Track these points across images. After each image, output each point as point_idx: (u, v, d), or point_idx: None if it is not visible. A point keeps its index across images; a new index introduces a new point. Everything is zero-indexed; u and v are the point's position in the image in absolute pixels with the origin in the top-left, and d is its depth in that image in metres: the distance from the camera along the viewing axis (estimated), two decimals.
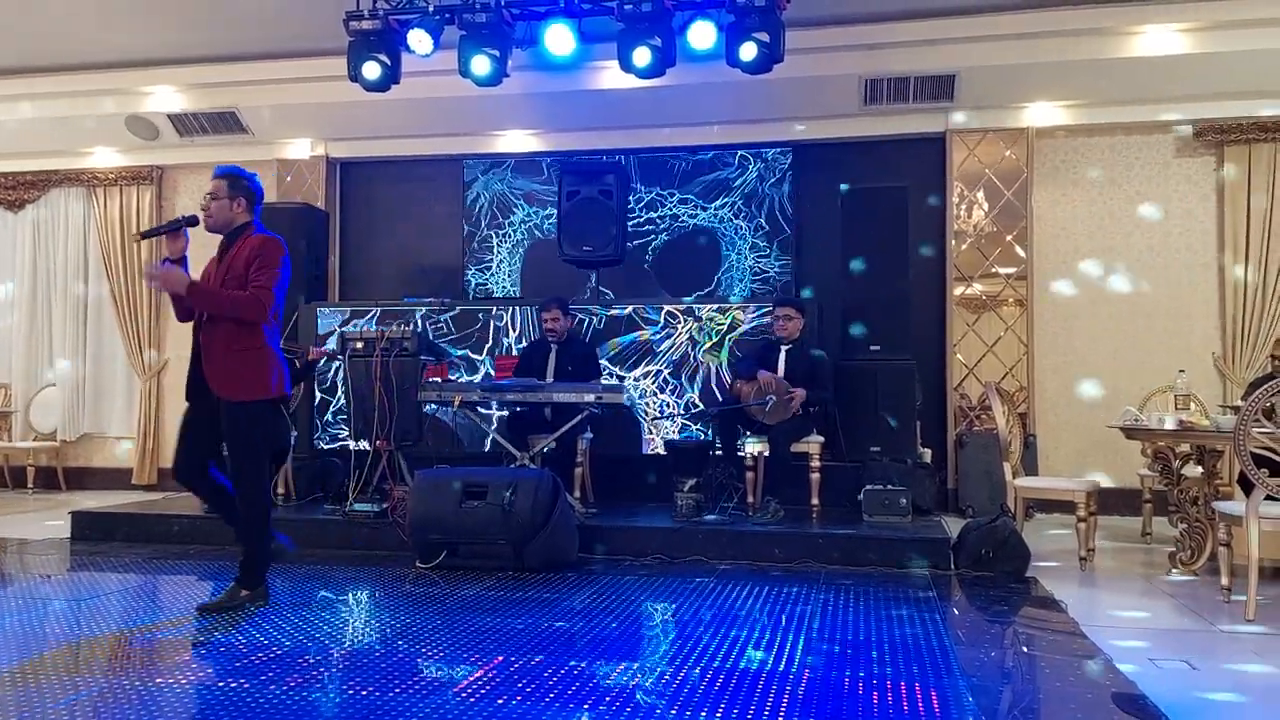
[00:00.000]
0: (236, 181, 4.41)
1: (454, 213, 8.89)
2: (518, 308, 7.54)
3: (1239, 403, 5.27)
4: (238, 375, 4.27)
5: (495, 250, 8.75)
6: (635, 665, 3.56)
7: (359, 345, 6.31)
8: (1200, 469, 5.29)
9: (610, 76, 7.56)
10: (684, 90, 7.67)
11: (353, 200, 9.18)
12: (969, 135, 7.93)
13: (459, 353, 7.39)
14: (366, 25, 6.71)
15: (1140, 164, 7.82)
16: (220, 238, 4.43)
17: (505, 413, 6.90)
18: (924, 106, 7.89)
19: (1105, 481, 6.57)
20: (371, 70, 6.80)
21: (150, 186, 9.26)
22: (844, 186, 7.34)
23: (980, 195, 7.88)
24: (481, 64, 6.69)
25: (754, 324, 7.07)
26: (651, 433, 7.14)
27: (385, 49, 6.77)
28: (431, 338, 7.23)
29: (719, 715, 2.95)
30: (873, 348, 6.97)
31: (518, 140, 8.71)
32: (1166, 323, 7.71)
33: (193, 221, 4.37)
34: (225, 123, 8.79)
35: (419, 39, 6.68)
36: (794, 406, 6.17)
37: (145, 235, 4.54)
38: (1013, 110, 7.85)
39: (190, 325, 4.40)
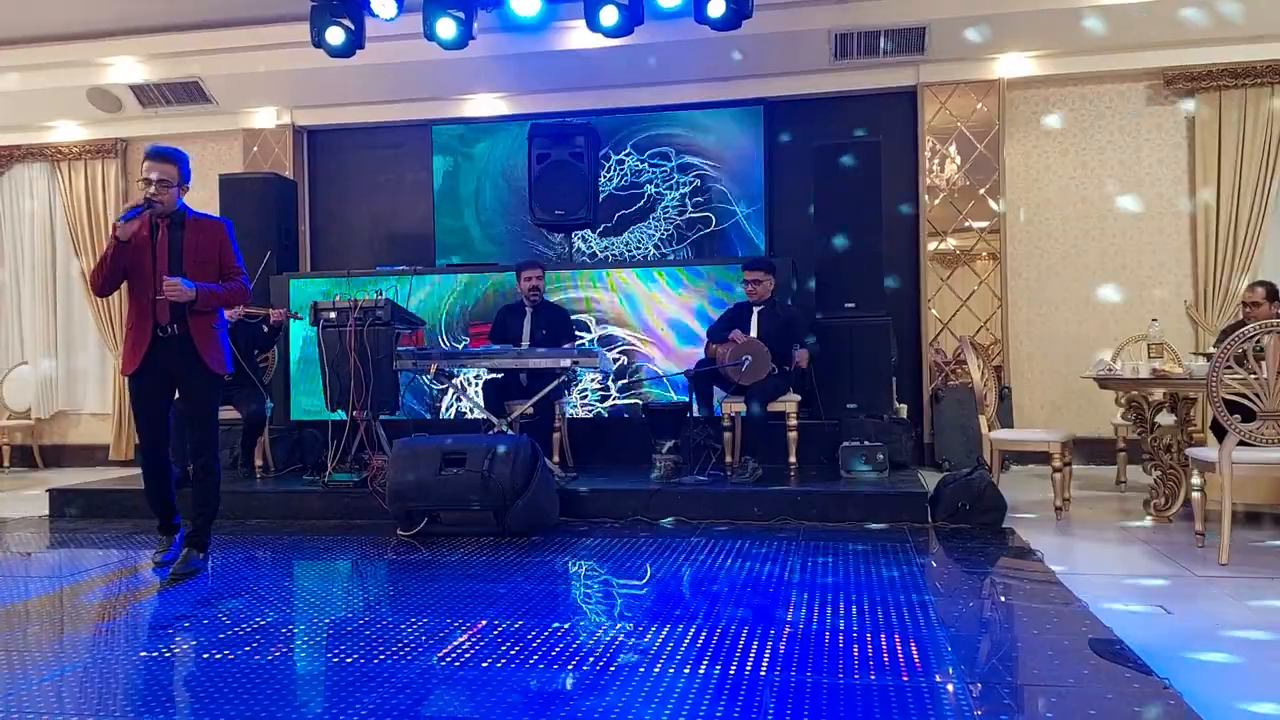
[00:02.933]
0: (184, 167, 4.49)
1: (424, 179, 8.81)
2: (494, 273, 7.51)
3: (1211, 350, 5.32)
4: (221, 350, 4.56)
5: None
6: (618, 625, 3.58)
7: (332, 315, 6.24)
8: (1173, 416, 5.35)
9: (578, 36, 7.49)
10: (653, 49, 7.62)
11: (321, 169, 9.08)
12: (940, 88, 7.91)
13: None
14: None
15: (1111, 113, 7.83)
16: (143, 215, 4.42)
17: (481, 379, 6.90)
18: (895, 60, 7.86)
19: (1080, 431, 6.63)
20: (335, 35, 6.70)
21: (115, 160, 9.12)
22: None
23: (952, 149, 7.88)
24: (447, 26, 6.60)
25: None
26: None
27: (348, 13, 6.67)
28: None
29: (701, 671, 2.98)
30: (847, 305, 6.99)
31: (486, 104, 8.62)
32: (1139, 272, 7.76)
33: (152, 207, 4.37)
34: (189, 93, 8.65)
35: (382, 2, 6.59)
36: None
37: (125, 220, 4.37)
38: (983, 62, 7.83)
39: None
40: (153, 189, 4.35)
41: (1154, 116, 7.78)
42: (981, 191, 7.83)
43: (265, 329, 6.65)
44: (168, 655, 3.31)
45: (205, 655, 3.28)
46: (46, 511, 6.35)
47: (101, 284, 4.42)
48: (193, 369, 4.45)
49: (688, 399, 6.39)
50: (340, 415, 6.23)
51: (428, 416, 7.42)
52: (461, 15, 6.58)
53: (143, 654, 3.31)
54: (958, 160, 7.87)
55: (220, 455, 4.73)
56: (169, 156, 4.44)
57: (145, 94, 8.67)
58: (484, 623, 3.59)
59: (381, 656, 3.20)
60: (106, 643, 3.51)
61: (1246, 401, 4.35)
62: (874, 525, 5.40)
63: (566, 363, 6.14)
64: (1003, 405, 7.04)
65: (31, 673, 3.10)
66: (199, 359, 4.43)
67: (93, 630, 3.72)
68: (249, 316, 6.55)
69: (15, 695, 2.88)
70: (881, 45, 7.71)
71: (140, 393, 4.50)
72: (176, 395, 4.59)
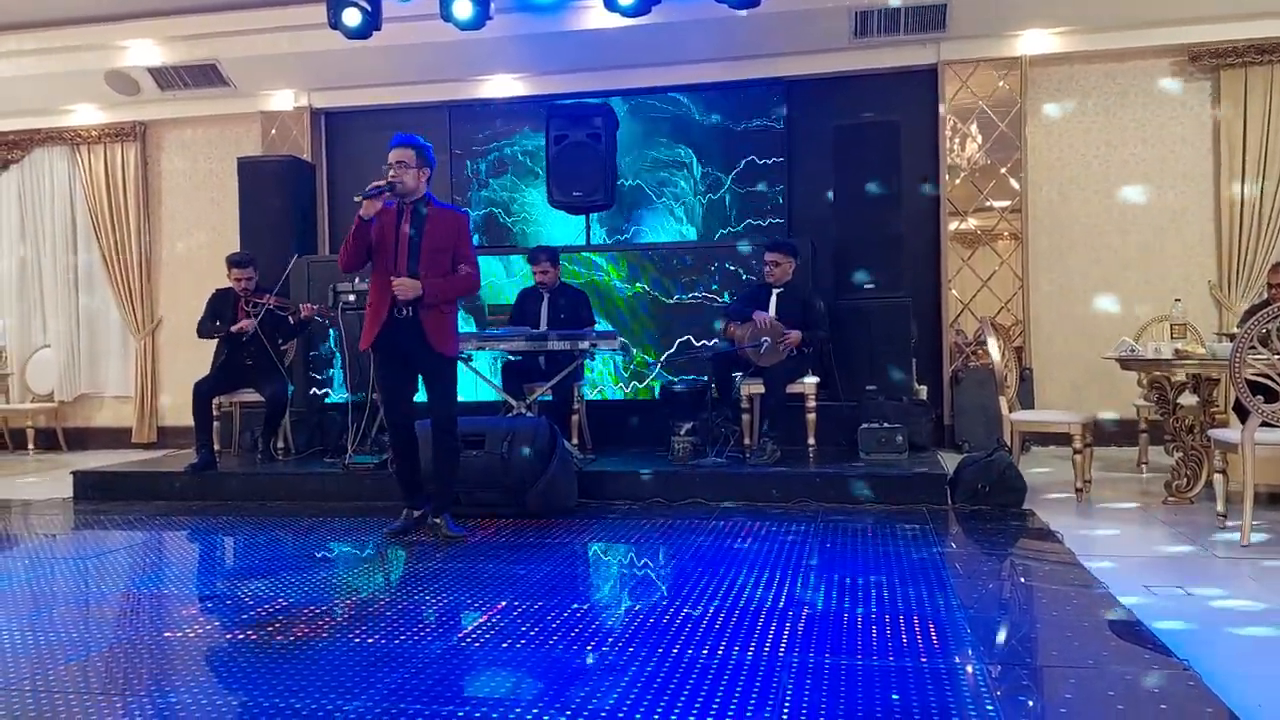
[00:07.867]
0: (423, 153, 4.73)
1: (441, 160, 8.78)
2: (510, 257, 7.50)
3: (1235, 330, 5.27)
4: (449, 334, 4.78)
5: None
6: (637, 606, 3.59)
7: (351, 298, 6.28)
8: (1196, 398, 5.30)
9: (596, 16, 7.44)
10: (672, 28, 7.56)
11: (339, 151, 9.08)
12: (961, 66, 7.83)
13: None
14: None
15: (1135, 90, 7.73)
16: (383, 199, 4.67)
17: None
18: (915, 38, 7.77)
19: (1101, 413, 6.59)
20: (352, 17, 6.69)
21: (134, 143, 9.16)
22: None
23: (973, 128, 7.80)
24: (463, 7, 6.59)
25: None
26: None
27: None
28: None
29: (720, 652, 2.99)
30: (867, 286, 6.95)
31: (503, 85, 8.59)
32: (1162, 252, 7.67)
33: (393, 189, 4.60)
34: (206, 76, 8.66)
35: None
36: (790, 344, 6.15)
37: (364, 197, 4.59)
38: (1005, 39, 7.74)
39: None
40: (391, 171, 4.60)
41: (1179, 93, 7.67)
42: (1003, 170, 7.76)
43: (291, 321, 6.70)
44: (191, 636, 3.34)
45: (228, 636, 3.32)
46: (70, 494, 6.41)
47: (346, 260, 4.67)
48: (423, 351, 4.70)
49: (705, 381, 6.37)
50: (358, 397, 6.25)
51: None
52: None
53: (167, 634, 3.35)
54: (979, 139, 7.80)
55: (458, 432, 4.87)
56: (406, 141, 4.69)
57: (163, 77, 8.69)
58: (503, 604, 3.61)
59: (402, 637, 3.23)
60: (131, 623, 3.55)
61: (1270, 382, 4.31)
62: (893, 507, 5.39)
63: (584, 345, 6.14)
64: (1023, 386, 7.00)
65: (59, 653, 3.14)
66: (426, 342, 4.68)
67: (117, 611, 3.76)
68: (279, 309, 6.60)
69: (43, 675, 2.92)
70: (902, 23, 7.63)
71: (378, 368, 4.88)
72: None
